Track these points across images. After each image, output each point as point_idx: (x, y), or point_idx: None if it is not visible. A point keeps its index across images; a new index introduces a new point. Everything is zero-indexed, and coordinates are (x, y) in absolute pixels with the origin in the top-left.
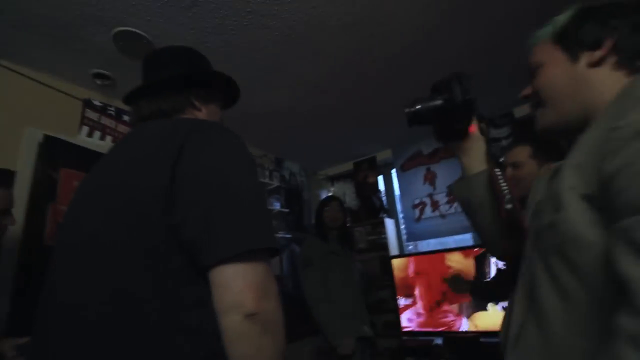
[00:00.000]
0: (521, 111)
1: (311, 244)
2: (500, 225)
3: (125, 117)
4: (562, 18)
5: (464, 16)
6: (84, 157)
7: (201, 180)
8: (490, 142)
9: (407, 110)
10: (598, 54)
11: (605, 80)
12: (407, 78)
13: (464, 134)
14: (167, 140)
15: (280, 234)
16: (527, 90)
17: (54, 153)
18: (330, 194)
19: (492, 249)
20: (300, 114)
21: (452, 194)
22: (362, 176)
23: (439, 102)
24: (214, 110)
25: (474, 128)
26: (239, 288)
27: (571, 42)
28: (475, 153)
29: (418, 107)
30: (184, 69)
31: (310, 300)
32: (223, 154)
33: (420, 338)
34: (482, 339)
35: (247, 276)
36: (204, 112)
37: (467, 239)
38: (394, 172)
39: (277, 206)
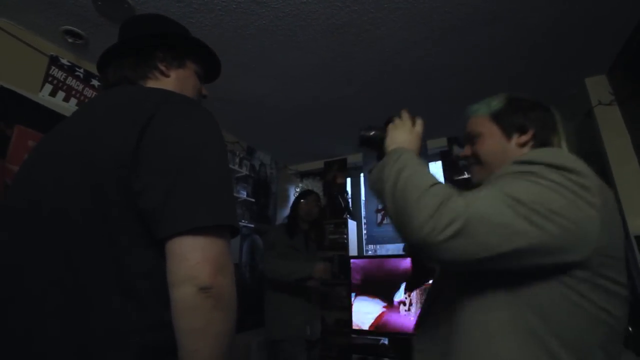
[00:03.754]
0: None
1: (277, 233)
2: None
3: (94, 82)
4: (495, 103)
5: (447, 40)
6: (44, 117)
7: (168, 150)
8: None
9: (362, 133)
10: (524, 137)
11: (515, 151)
12: (387, 86)
13: None
14: (136, 108)
15: (243, 223)
16: (467, 151)
17: (10, 108)
18: (308, 188)
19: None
20: (278, 107)
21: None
22: (332, 176)
23: None
24: (187, 77)
25: None
26: (196, 260)
27: (506, 123)
28: None
29: (372, 133)
30: (147, 32)
31: (270, 274)
32: (193, 127)
33: (369, 337)
34: None
35: (205, 249)
36: (172, 78)
37: None
38: (362, 175)
39: (243, 194)
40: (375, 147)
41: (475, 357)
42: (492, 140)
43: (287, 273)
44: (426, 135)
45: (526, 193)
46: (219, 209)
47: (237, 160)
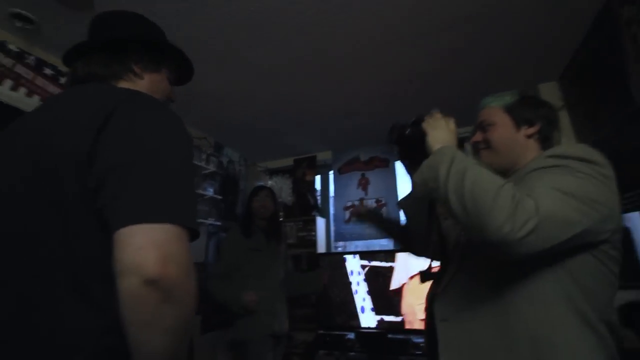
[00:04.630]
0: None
1: (231, 241)
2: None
3: (48, 70)
4: (509, 97)
5: (416, 40)
6: None
7: (125, 147)
8: None
9: (397, 131)
10: (532, 129)
11: (529, 148)
12: (356, 85)
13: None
14: (96, 105)
15: (209, 221)
16: (478, 137)
17: None
18: (261, 184)
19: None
20: (248, 102)
21: (400, 207)
22: (301, 173)
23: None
24: (159, 81)
25: None
26: (138, 245)
27: (517, 116)
28: None
29: (407, 131)
30: (127, 32)
31: (217, 298)
32: (156, 126)
33: (335, 332)
34: (389, 335)
35: (154, 235)
36: (146, 81)
37: (390, 244)
38: (331, 173)
39: (210, 192)
40: (409, 145)
41: (530, 323)
42: (504, 129)
43: (224, 301)
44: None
45: (571, 186)
46: (175, 207)
47: (204, 156)
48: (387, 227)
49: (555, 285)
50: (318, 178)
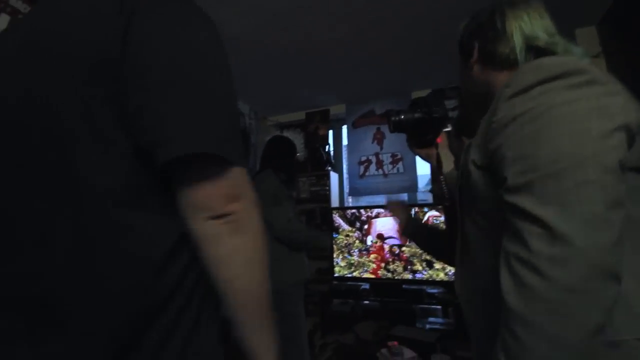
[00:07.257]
0: None
1: (281, 187)
2: None
3: None
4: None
5: None
6: None
7: (162, 57)
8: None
9: (393, 118)
10: (473, 59)
11: (483, 80)
12: (380, 32)
13: (432, 144)
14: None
15: None
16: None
17: None
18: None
19: None
20: (257, 48)
21: (407, 236)
22: (313, 127)
23: (419, 115)
24: None
25: (441, 139)
26: (205, 190)
27: (462, 53)
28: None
29: (402, 117)
30: None
31: (298, 234)
32: (191, 28)
33: (349, 283)
34: (404, 286)
35: (218, 178)
36: None
37: (403, 197)
38: (344, 127)
39: None
40: (406, 130)
41: None
42: (461, 76)
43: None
44: (413, 86)
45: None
46: (222, 137)
47: None
48: (420, 238)
49: None
50: (331, 132)
